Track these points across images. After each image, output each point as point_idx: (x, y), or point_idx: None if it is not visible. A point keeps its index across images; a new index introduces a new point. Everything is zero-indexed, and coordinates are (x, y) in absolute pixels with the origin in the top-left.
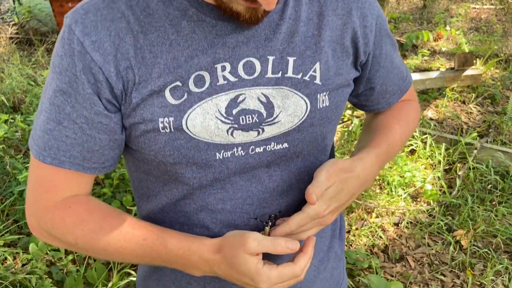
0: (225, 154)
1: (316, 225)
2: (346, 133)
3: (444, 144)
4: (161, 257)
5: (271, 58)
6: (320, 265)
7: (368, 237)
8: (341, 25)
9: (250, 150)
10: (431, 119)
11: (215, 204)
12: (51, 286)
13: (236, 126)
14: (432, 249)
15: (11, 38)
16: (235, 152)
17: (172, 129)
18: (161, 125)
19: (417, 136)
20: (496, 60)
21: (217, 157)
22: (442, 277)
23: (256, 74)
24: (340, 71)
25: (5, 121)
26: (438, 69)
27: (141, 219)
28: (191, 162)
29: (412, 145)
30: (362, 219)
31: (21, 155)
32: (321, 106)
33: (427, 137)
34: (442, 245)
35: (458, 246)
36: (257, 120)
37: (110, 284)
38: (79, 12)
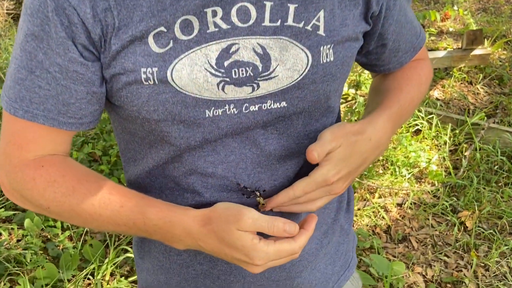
0: (216, 112)
1: (324, 193)
2: (349, 113)
3: (450, 124)
4: (138, 226)
5: (268, 4)
6: (323, 238)
7: (370, 217)
8: None
9: (243, 108)
10: (437, 99)
11: (206, 167)
12: (46, 261)
13: (227, 80)
14: (435, 230)
15: (8, 13)
16: (227, 110)
17: (156, 81)
18: (143, 76)
19: (422, 116)
20: (504, 40)
21: (207, 115)
22: (445, 258)
23: (251, 22)
24: (347, 22)
25: None
26: (445, 49)
27: (128, 185)
28: (177, 120)
29: (417, 125)
30: (365, 199)
31: None
32: (324, 61)
33: (433, 117)
34: (446, 226)
35: (462, 228)
36: (252, 74)
37: (106, 260)
38: None
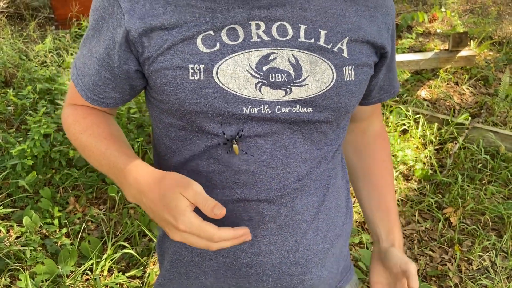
0: (252, 110)
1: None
2: None
3: (436, 124)
4: (112, 169)
5: (303, 27)
6: (334, 239)
7: (359, 213)
8: (368, 16)
9: (276, 109)
10: (424, 99)
11: (240, 165)
12: (45, 258)
13: (265, 81)
14: (421, 226)
15: (1, 12)
16: (262, 109)
17: (202, 77)
18: (191, 71)
19: (410, 115)
20: (490, 42)
21: (244, 111)
22: (431, 252)
23: (288, 37)
24: (364, 52)
25: None
26: (432, 50)
27: None
28: (217, 113)
29: (404, 124)
30: (353, 196)
31: (14, 130)
32: (347, 79)
33: (419, 117)
34: (432, 222)
35: (447, 223)
36: (286, 80)
37: (105, 256)
38: None
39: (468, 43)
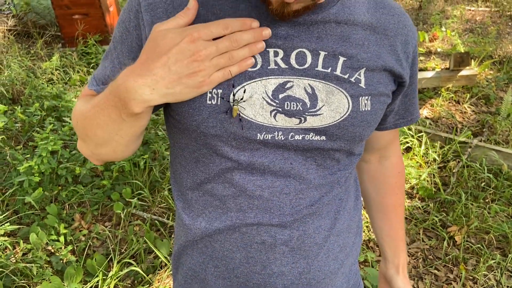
0: (266, 136)
1: None
2: None
3: (439, 142)
4: (108, 96)
5: (322, 53)
6: (345, 258)
7: (364, 231)
8: (387, 45)
9: (289, 136)
10: (426, 117)
11: (254, 190)
12: (52, 275)
13: (280, 109)
14: (426, 244)
15: (9, 30)
16: (276, 136)
17: (219, 102)
18: (209, 95)
19: (412, 134)
20: (491, 61)
21: (258, 137)
22: (436, 271)
23: (306, 66)
24: (382, 81)
25: (5, 112)
26: (433, 69)
27: (174, 196)
28: (232, 137)
29: (408, 142)
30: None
31: (21, 146)
32: (363, 109)
33: (422, 135)
34: (436, 240)
35: (451, 242)
36: (301, 109)
37: (110, 274)
38: None
39: (470, 63)
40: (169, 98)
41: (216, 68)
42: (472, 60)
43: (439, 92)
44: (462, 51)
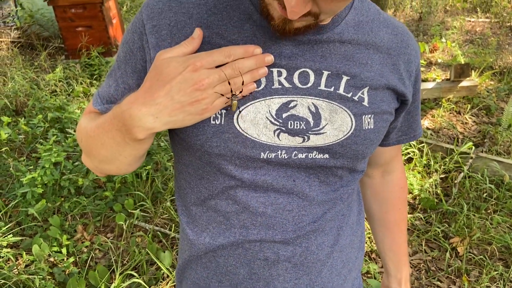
0: (269, 155)
1: None
2: None
3: (440, 153)
4: (110, 119)
5: (325, 73)
6: (347, 274)
7: (366, 243)
8: (390, 64)
9: (293, 155)
10: (427, 128)
11: (257, 207)
12: (54, 287)
13: (283, 128)
14: (429, 256)
15: (13, 42)
16: (279, 155)
17: (223, 121)
18: (213, 116)
19: (414, 144)
20: (491, 72)
21: (261, 156)
22: (438, 283)
23: (309, 85)
24: (385, 99)
25: (8, 124)
26: (434, 80)
27: (179, 211)
28: (235, 156)
29: (409, 153)
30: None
31: (24, 158)
32: (366, 128)
33: (423, 146)
34: (439, 251)
35: (454, 253)
36: (304, 128)
37: (112, 286)
38: None
39: (470, 74)
40: (172, 125)
41: (218, 96)
42: (473, 71)
43: (440, 102)
44: (463, 62)
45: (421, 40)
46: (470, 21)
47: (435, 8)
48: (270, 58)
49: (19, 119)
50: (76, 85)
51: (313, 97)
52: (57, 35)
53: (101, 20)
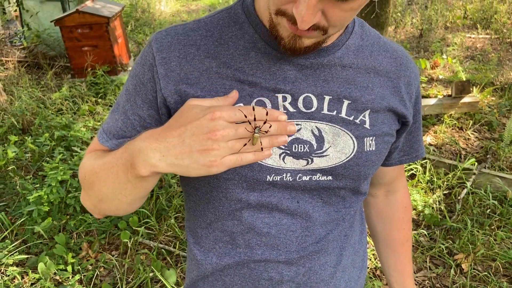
0: (275, 178)
1: None
2: None
3: (443, 169)
4: (117, 160)
5: (327, 98)
6: None
7: (370, 259)
8: (391, 87)
9: (297, 178)
10: (430, 144)
11: (262, 227)
12: None
13: (288, 152)
14: (433, 272)
15: (19, 61)
16: (284, 177)
17: None
18: None
19: (417, 161)
20: (492, 88)
21: (267, 179)
22: None
23: (313, 109)
24: (386, 121)
25: (15, 143)
26: (436, 96)
27: (187, 231)
28: (242, 180)
29: (412, 169)
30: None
31: (31, 176)
32: (367, 149)
33: (426, 162)
34: (443, 268)
35: (458, 270)
36: (308, 150)
37: None
38: (162, 33)
39: (471, 90)
40: (176, 169)
41: (230, 151)
42: (474, 87)
43: (442, 118)
44: (464, 78)
45: (422, 57)
46: (470, 37)
47: (436, 25)
48: (293, 129)
49: (26, 137)
50: (82, 104)
51: (317, 121)
52: (63, 55)
53: (106, 40)
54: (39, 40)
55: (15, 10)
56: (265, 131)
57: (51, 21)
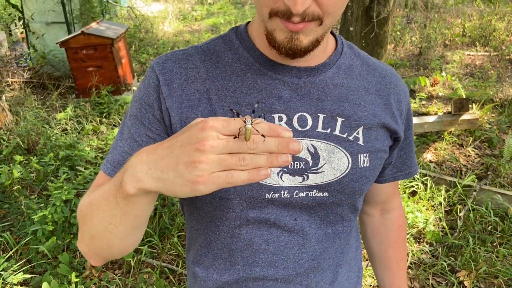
0: (273, 195)
1: None
2: None
3: (444, 186)
4: (112, 187)
5: (321, 116)
6: None
7: (372, 277)
8: (382, 104)
9: (294, 194)
10: (430, 161)
11: (260, 244)
12: None
13: (285, 169)
14: None
15: (25, 82)
16: (282, 194)
17: None
18: None
19: (417, 178)
20: (492, 105)
21: (266, 197)
22: None
23: (307, 127)
24: (379, 138)
25: (20, 163)
26: (435, 113)
27: (187, 248)
28: (243, 199)
29: (413, 186)
30: (366, 259)
31: (35, 196)
32: (361, 166)
33: (427, 179)
34: (446, 286)
35: (461, 287)
36: (304, 167)
37: None
38: (162, 58)
39: (470, 107)
40: (160, 185)
41: (219, 167)
42: (474, 104)
43: (442, 135)
44: (463, 96)
45: (421, 74)
46: (469, 54)
47: (435, 43)
48: (297, 147)
49: (31, 157)
50: (86, 123)
51: (312, 139)
52: (68, 75)
53: (111, 60)
54: (45, 61)
55: (22, 32)
56: (257, 130)
57: (56, 43)
